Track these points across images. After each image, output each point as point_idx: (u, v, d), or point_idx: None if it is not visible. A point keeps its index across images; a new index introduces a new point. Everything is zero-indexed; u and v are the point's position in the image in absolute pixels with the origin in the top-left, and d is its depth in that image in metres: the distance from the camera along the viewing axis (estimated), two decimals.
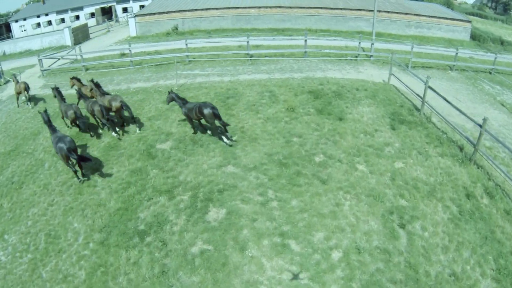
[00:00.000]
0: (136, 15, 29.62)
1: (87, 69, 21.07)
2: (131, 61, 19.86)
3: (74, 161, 9.82)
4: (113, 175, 10.07)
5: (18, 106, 16.44)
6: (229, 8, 27.66)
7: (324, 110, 12.36)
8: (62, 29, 32.40)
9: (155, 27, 29.27)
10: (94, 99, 12.90)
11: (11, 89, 19.77)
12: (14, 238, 8.68)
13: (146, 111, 13.47)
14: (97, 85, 13.06)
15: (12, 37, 50.06)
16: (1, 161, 11.98)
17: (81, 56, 20.99)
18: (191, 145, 10.88)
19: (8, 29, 48.55)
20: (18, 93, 16.11)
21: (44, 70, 22.48)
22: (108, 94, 13.23)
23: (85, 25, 34.27)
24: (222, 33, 26.42)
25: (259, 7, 27.09)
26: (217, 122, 10.53)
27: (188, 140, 11.13)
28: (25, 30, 46.80)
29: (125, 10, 44.38)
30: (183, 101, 11.38)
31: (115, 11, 45.26)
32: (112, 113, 12.23)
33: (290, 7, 26.73)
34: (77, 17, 45.88)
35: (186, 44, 19.28)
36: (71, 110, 11.76)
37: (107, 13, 45.71)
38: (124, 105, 11.94)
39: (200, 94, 14.46)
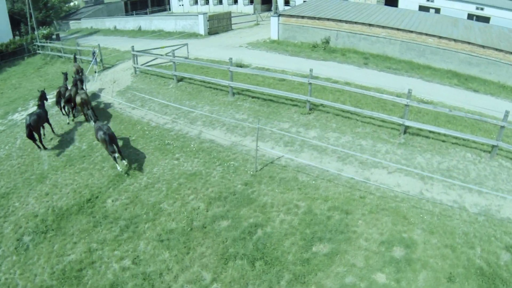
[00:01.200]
0: (280, 14, 24.89)
1: (179, 80, 17.43)
2: (230, 86, 15.32)
3: None
4: None
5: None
6: (398, 29, 20.72)
7: None
8: (197, 15, 29.91)
9: (301, 34, 24.19)
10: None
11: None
12: None
13: None
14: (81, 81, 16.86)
15: (169, 10, 51.20)
16: None
17: (174, 62, 17.29)
18: None
19: (169, 1, 49.58)
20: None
21: (138, 67, 19.67)
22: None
23: (227, 14, 31.19)
24: (383, 62, 19.86)
25: (440, 37, 19.46)
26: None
27: None
28: (182, 5, 46.99)
29: (287, 3, 39.87)
30: None
31: (276, 2, 41.54)
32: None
33: (482, 47, 18.44)
34: (235, 1, 43.60)
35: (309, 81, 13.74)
36: None
37: (267, 2, 42.18)
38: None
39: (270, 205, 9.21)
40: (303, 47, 22.93)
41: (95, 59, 22.36)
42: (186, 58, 21.88)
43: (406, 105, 11.02)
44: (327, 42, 22.64)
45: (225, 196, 9.92)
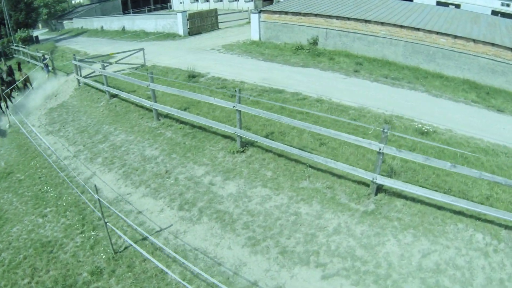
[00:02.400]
0: (261, 11, 20.74)
1: (112, 96, 13.75)
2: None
3: None
4: None
5: None
6: (402, 27, 16.24)
7: None
8: (175, 13, 26.24)
9: (285, 34, 20.01)
10: None
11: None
12: None
13: None
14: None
15: (171, 8, 47.94)
16: None
17: (105, 76, 13.61)
18: None
19: None
20: None
21: (82, 79, 16.25)
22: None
23: (212, 11, 27.36)
24: (380, 68, 15.51)
25: (455, 37, 14.86)
26: None
27: None
28: (182, 3, 43.52)
29: None
30: None
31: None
32: None
33: (510, 49, 13.78)
34: None
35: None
36: None
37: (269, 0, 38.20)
38: None
39: None
40: (285, 49, 18.77)
41: (47, 66, 19.22)
42: (142, 65, 18.26)
43: (379, 152, 6.74)
44: (315, 43, 18.38)
45: None
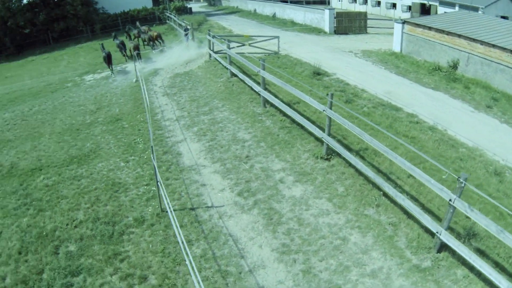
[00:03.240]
0: (405, 21, 19.14)
1: (233, 75, 14.46)
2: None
3: None
4: None
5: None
6: None
7: None
8: (323, 9, 25.89)
9: (426, 50, 18.20)
10: None
11: None
12: None
13: None
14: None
15: (329, 3, 47.59)
16: None
17: (228, 55, 14.26)
18: None
19: None
20: None
21: (216, 52, 17.42)
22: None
23: (362, 14, 26.29)
24: None
25: None
26: None
27: None
28: (340, 1, 42.98)
29: None
30: None
31: (436, 13, 34.14)
32: None
33: None
34: (394, 5, 37.84)
35: None
36: None
37: (427, 12, 35.21)
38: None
39: None
40: (421, 67, 17.09)
41: (187, 36, 21.49)
42: (276, 53, 18.84)
43: (450, 204, 5.65)
44: (454, 66, 16.27)
45: None
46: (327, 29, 25.92)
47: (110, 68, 18.39)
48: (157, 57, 20.63)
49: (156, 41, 22.32)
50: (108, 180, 8.85)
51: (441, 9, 30.82)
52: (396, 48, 19.94)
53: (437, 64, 16.71)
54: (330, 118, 8.53)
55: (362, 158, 8.74)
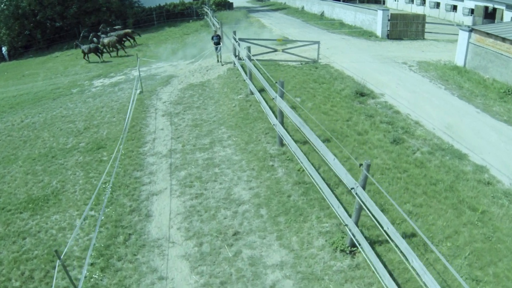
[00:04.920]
0: (472, 29, 15.31)
1: (252, 93, 11.86)
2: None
3: None
4: None
5: None
6: None
7: None
8: (376, 10, 22.34)
9: (496, 67, 14.37)
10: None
11: None
12: None
13: None
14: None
15: (384, 3, 43.33)
16: None
17: (249, 68, 11.60)
18: None
19: None
20: None
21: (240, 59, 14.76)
22: None
23: (420, 17, 22.45)
24: None
25: None
26: None
27: None
28: (397, 1, 38.61)
29: None
30: None
31: (501, 17, 29.16)
32: None
33: None
34: (454, 8, 33.30)
35: None
36: None
37: (490, 16, 30.32)
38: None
39: None
40: (490, 88, 13.43)
41: (219, 47, 18.57)
42: (314, 61, 15.91)
43: None
44: None
45: None
46: (379, 33, 22.41)
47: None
48: (179, 60, 18.35)
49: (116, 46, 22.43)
50: (53, 246, 6.65)
51: (507, 14, 26.22)
52: (459, 61, 16.22)
53: (510, 85, 13.03)
54: (361, 202, 5.37)
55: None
